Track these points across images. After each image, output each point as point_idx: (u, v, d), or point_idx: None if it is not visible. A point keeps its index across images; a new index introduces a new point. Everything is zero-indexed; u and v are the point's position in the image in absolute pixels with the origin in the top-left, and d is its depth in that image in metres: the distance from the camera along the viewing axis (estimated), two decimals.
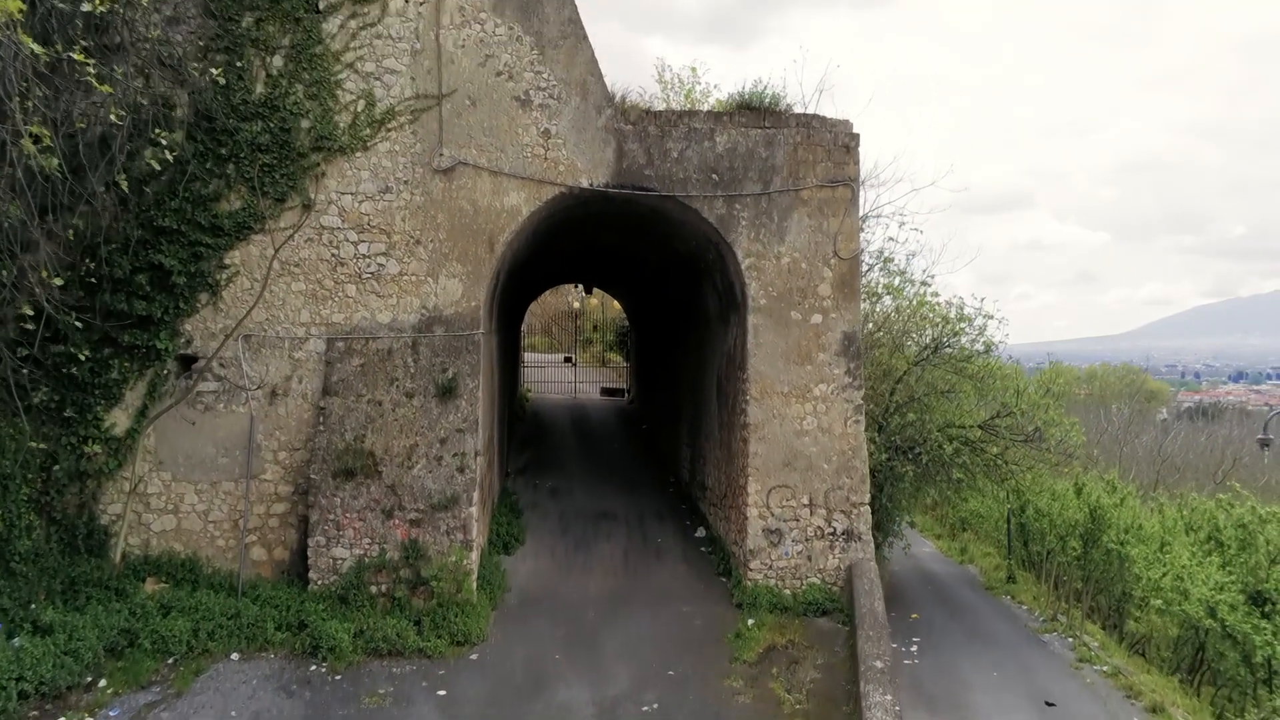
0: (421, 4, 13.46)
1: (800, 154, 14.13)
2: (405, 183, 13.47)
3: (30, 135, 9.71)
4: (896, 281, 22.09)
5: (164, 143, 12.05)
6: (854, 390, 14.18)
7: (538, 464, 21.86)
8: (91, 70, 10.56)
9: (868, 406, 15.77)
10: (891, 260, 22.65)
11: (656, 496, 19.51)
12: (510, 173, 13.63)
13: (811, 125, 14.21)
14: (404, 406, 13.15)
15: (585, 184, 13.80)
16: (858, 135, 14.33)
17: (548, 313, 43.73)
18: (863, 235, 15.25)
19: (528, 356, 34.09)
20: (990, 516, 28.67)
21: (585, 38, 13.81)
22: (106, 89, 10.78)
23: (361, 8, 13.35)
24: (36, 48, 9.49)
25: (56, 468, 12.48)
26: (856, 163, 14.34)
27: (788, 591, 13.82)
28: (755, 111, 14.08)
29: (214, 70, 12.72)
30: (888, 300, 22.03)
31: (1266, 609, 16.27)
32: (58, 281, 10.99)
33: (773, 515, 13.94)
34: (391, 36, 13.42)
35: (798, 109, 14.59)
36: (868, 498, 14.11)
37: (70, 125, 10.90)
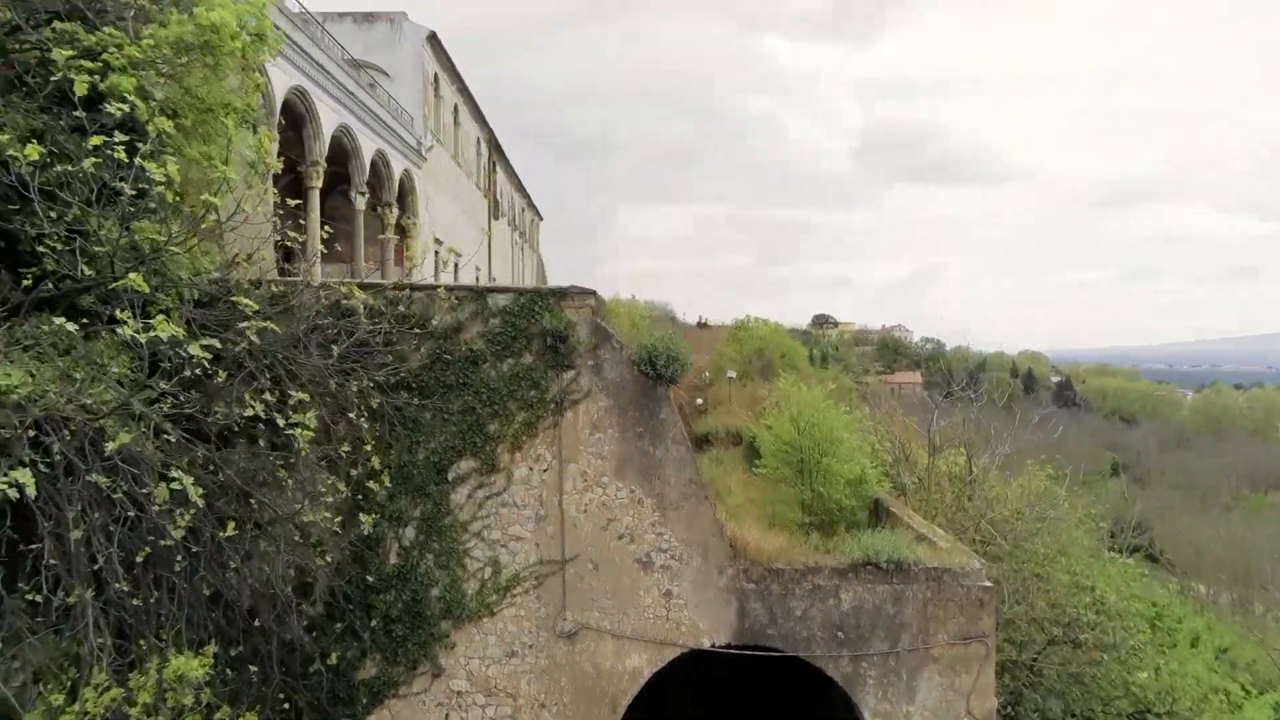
0: (545, 471, 13.67)
1: (930, 610, 13.62)
2: (530, 646, 13.69)
3: None
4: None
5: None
6: None
7: None
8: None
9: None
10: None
11: None
12: (632, 635, 13.67)
13: (942, 579, 13.68)
14: None
15: (707, 644, 13.70)
16: (991, 588, 13.72)
17: None
18: None
19: None
20: None
21: (707, 498, 13.73)
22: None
23: (488, 478, 13.66)
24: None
25: None
26: (991, 616, 13.73)
27: None
28: (880, 569, 13.66)
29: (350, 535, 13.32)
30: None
31: None
32: None
33: None
34: (516, 504, 13.68)
35: None
36: None
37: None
